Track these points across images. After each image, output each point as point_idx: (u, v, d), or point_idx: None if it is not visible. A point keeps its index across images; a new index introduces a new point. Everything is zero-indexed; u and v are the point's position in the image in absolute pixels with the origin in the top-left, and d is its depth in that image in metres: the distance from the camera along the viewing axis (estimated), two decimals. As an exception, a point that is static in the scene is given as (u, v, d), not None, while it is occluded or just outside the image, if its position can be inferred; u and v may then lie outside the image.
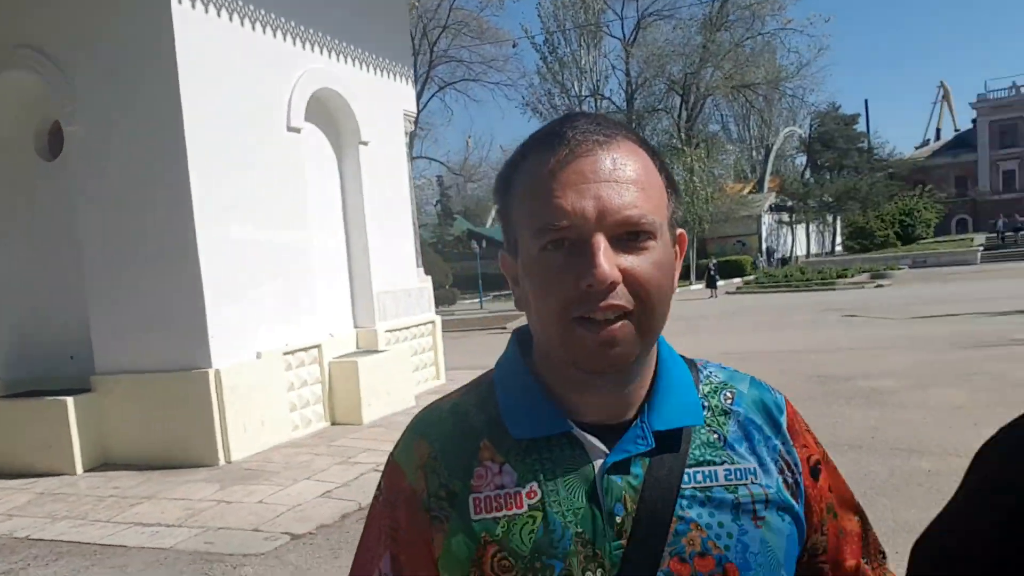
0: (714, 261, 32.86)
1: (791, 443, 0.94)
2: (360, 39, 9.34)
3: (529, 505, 0.83)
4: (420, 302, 10.80)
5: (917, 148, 72.68)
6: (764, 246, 43.10)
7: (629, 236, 0.81)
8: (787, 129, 52.09)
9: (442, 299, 25.79)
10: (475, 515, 0.84)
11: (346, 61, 9.16)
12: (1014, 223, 37.95)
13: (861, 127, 56.79)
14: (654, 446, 0.86)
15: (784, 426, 0.95)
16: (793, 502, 0.90)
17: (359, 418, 8.56)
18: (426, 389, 10.48)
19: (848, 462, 5.81)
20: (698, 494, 0.86)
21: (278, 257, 7.93)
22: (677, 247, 0.88)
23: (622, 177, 0.82)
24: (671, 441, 0.87)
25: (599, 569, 0.82)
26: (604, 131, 0.83)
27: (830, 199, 47.88)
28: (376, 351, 9.19)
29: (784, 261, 35.59)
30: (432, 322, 11.02)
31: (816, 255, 48.94)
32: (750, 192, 45.85)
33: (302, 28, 8.35)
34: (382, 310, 9.60)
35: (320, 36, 8.65)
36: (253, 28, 7.79)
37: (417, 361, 10.54)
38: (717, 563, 0.84)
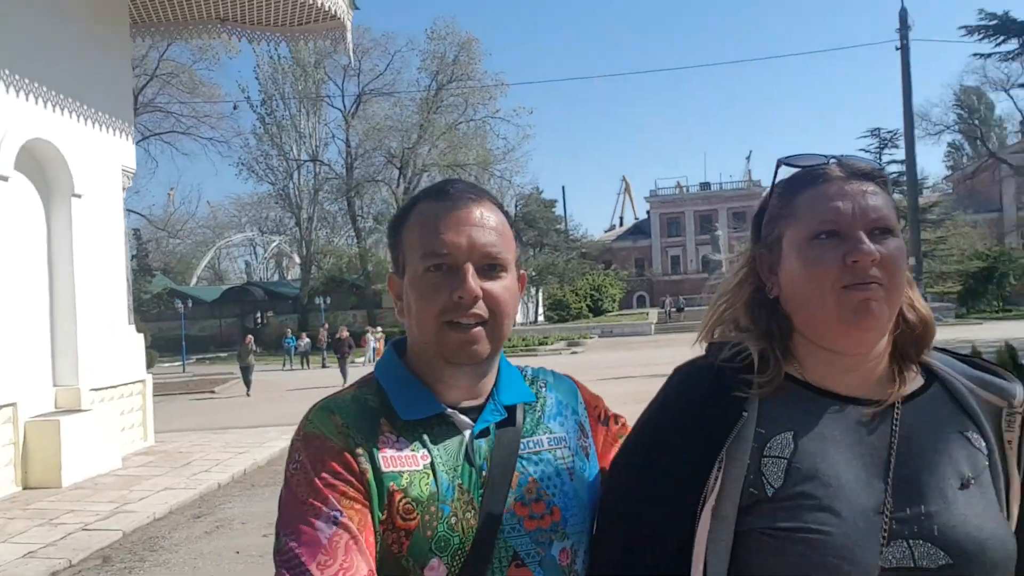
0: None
1: (586, 412, 1.28)
2: (79, 92, 9.12)
3: (423, 465, 1.07)
4: (130, 360, 10.41)
5: (605, 232, 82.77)
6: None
7: (489, 267, 1.10)
8: (495, 207, 56.52)
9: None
10: (385, 468, 1.05)
11: (63, 112, 8.88)
12: (678, 303, 44.96)
13: (559, 211, 63.75)
14: (505, 415, 1.16)
15: (579, 400, 1.29)
16: (586, 461, 1.21)
17: (58, 480, 8.06)
18: (134, 450, 10.07)
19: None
20: (532, 456, 1.15)
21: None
22: (519, 282, 1.18)
23: (487, 224, 1.12)
24: (512, 417, 1.16)
25: (472, 510, 1.07)
26: (475, 192, 1.15)
27: (533, 273, 51.86)
28: (80, 410, 8.74)
29: None
30: (142, 381, 10.63)
31: (521, 324, 52.83)
32: (463, 263, 48.42)
33: (16, 77, 8.03)
34: (88, 368, 9.15)
35: (36, 87, 8.34)
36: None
37: (125, 421, 10.09)
38: (547, 506, 1.12)
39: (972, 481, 1.03)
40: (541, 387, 1.26)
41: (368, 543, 1.00)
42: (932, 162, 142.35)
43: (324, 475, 1.01)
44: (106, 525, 6.70)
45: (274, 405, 17.07)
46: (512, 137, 51.19)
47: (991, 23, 16.78)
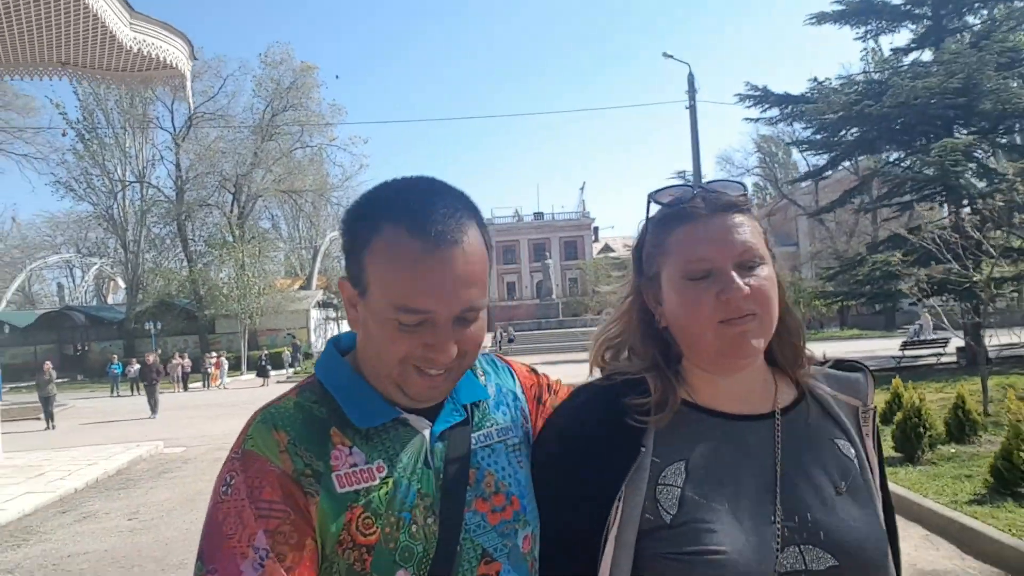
0: (266, 352, 34.56)
1: (523, 395, 1.28)
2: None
3: (380, 477, 1.03)
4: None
5: None
6: (312, 338, 46.15)
7: (465, 317, 1.02)
8: (333, 234, 56.82)
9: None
10: (339, 489, 1.00)
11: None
12: (509, 334, 47.54)
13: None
14: (465, 416, 1.14)
15: (517, 384, 1.29)
16: (529, 445, 1.22)
17: (-82, 492, 8.71)
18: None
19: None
20: (485, 450, 1.14)
21: None
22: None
23: (471, 272, 1.01)
24: (466, 416, 1.14)
25: (432, 515, 1.04)
26: (457, 224, 1.00)
27: (371, 298, 53.07)
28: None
29: (307, 356, 38.62)
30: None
31: (359, 347, 53.37)
32: (300, 288, 48.47)
33: None
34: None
35: None
36: None
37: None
38: (506, 497, 1.12)
39: (844, 488, 1.11)
40: (481, 377, 1.24)
41: None
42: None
43: (259, 504, 0.95)
44: (-21, 521, 7.66)
45: (101, 432, 17.29)
46: (349, 165, 52.05)
47: (755, 94, 20.12)
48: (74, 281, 68.58)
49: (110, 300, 62.75)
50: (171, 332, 43.29)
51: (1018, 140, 20.38)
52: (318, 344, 47.29)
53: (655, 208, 1.18)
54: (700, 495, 1.07)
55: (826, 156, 20.72)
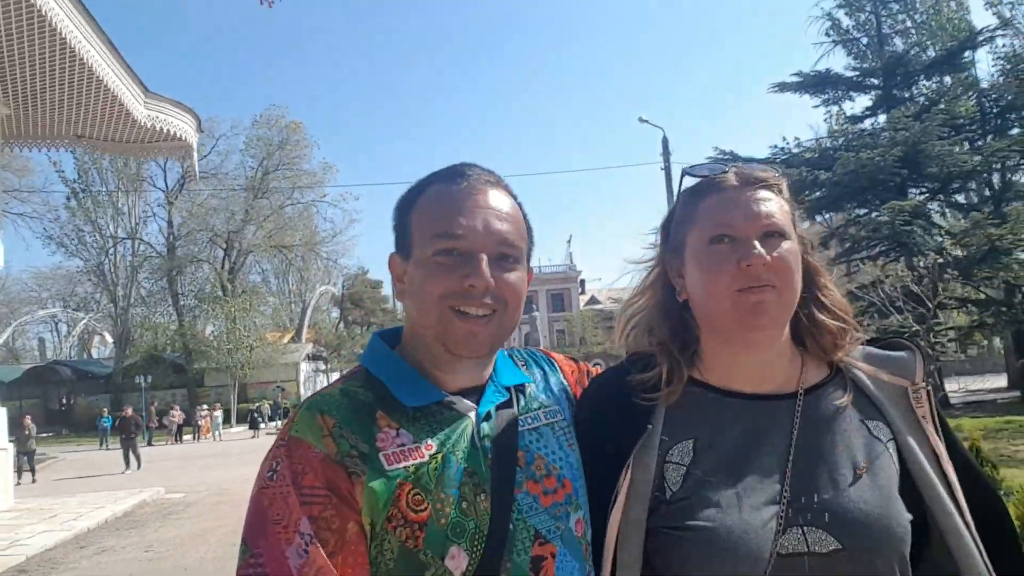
0: (256, 405, 35.04)
1: (566, 380, 1.31)
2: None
3: (429, 454, 1.05)
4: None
5: None
6: (302, 391, 46.58)
7: (502, 256, 1.09)
8: (322, 287, 57.41)
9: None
10: (388, 466, 1.02)
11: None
12: None
13: (387, 291, 65.94)
14: (508, 396, 1.17)
15: (560, 371, 1.33)
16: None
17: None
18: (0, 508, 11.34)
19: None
20: (533, 432, 1.16)
21: None
22: (527, 275, 1.16)
23: (503, 212, 1.11)
24: (509, 398, 1.17)
25: (482, 493, 1.06)
26: (493, 177, 1.14)
27: (360, 351, 53.17)
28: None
29: (286, 411, 38.99)
30: (4, 449, 11.91)
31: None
32: (289, 341, 49.02)
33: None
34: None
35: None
36: None
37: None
38: (558, 480, 1.13)
39: (865, 470, 1.09)
40: (523, 367, 1.27)
41: (348, 563, 0.97)
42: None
43: (304, 490, 0.98)
44: (7, 553, 8.40)
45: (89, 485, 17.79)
46: (339, 220, 53.10)
47: (723, 158, 21.51)
48: (58, 336, 68.70)
49: (95, 355, 62.86)
50: (160, 386, 43.62)
51: (975, 199, 21.85)
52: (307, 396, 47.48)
53: (689, 182, 1.21)
54: (704, 473, 1.09)
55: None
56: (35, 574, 7.70)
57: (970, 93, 20.35)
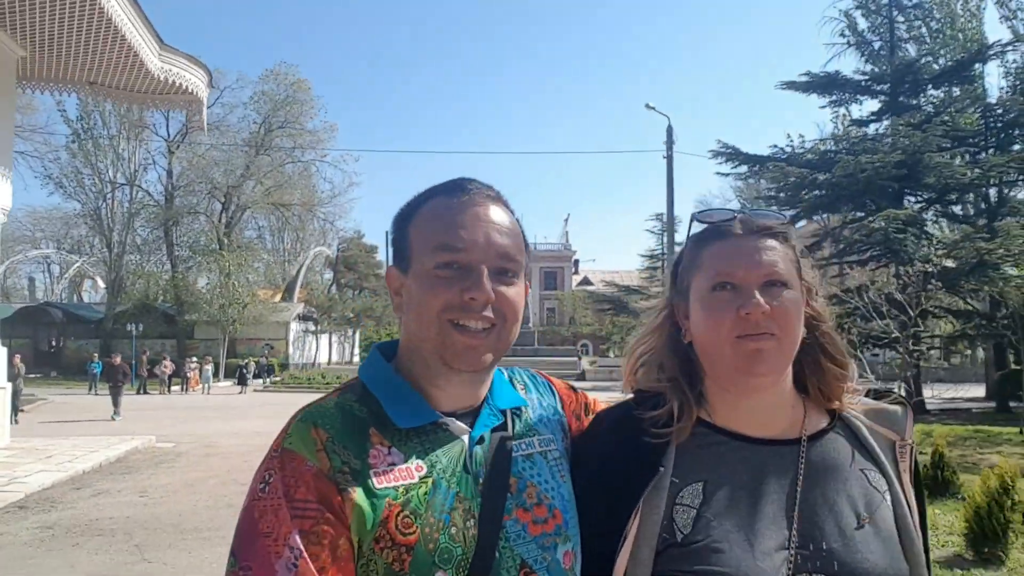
0: (245, 361, 35.30)
1: (563, 411, 1.30)
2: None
3: (419, 476, 1.04)
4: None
5: None
6: (291, 350, 46.83)
7: (502, 271, 1.09)
8: (317, 248, 57.44)
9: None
10: (377, 485, 1.01)
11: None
12: None
13: (381, 256, 66.00)
14: (503, 420, 1.15)
15: (557, 398, 1.32)
16: (568, 462, 1.23)
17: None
18: (-8, 447, 11.61)
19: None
20: (526, 460, 1.15)
21: None
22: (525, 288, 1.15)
23: (503, 226, 1.11)
24: (504, 421, 1.16)
25: (471, 519, 1.05)
26: (492, 191, 1.14)
27: (351, 315, 53.10)
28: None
29: (271, 369, 39.33)
30: (3, 388, 12.16)
31: (336, 363, 53.77)
32: (281, 299, 49.15)
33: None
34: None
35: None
36: None
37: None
38: (548, 510, 1.12)
39: (867, 520, 1.11)
40: (521, 389, 1.26)
41: None
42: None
43: (296, 504, 0.97)
44: (6, 490, 8.69)
45: (75, 430, 18.19)
46: (338, 182, 52.95)
47: (726, 151, 21.66)
48: (50, 276, 68.67)
49: (85, 299, 62.90)
50: (150, 335, 43.82)
51: (971, 211, 22.14)
52: (295, 356, 47.99)
53: (696, 228, 1.24)
54: (715, 516, 1.09)
55: (790, 212, 22.33)
56: (35, 511, 8.00)
57: (976, 106, 20.53)
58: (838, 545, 1.08)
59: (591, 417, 1.34)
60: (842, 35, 22.71)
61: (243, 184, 47.07)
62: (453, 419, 1.11)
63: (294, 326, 47.86)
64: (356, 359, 57.35)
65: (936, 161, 17.51)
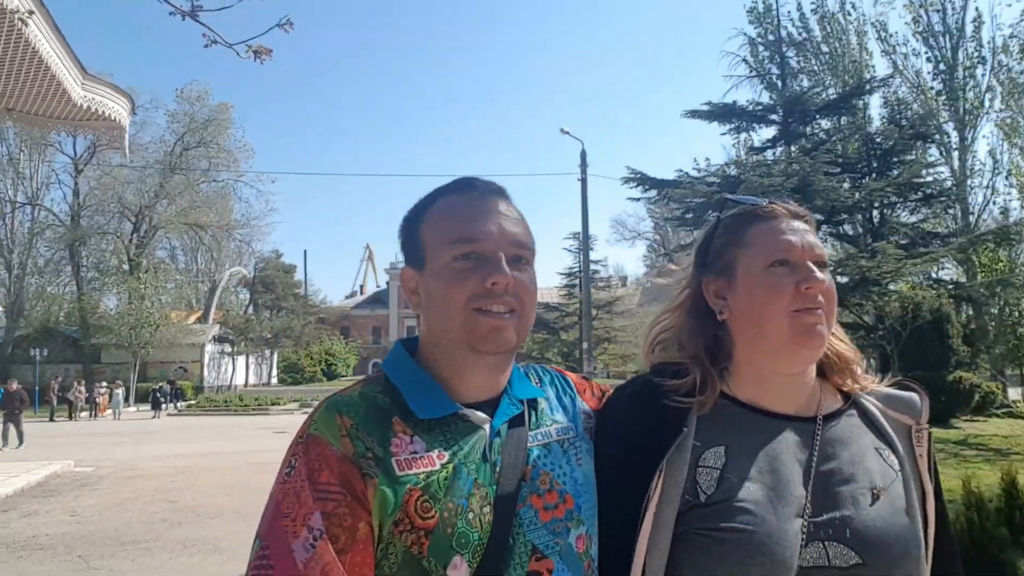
0: (159, 384, 34.39)
1: (579, 399, 1.32)
2: None
3: (441, 464, 1.07)
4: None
5: (346, 298, 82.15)
6: (206, 372, 45.67)
7: (516, 258, 1.14)
8: (233, 268, 56.18)
9: None
10: (399, 472, 1.04)
11: None
12: None
13: (300, 275, 65.03)
14: (522, 410, 1.19)
15: (573, 388, 1.34)
16: (590, 442, 1.26)
17: None
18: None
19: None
20: (542, 448, 1.18)
21: None
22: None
23: (513, 216, 1.17)
24: (522, 411, 1.19)
25: (488, 506, 1.08)
26: (498, 187, 1.21)
27: (268, 335, 52.62)
28: None
29: (181, 393, 38.17)
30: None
31: (254, 384, 52.69)
32: (196, 321, 48.04)
33: None
34: None
35: None
36: None
37: None
38: (560, 495, 1.15)
39: (882, 491, 1.15)
40: (537, 383, 1.30)
41: (356, 562, 0.99)
42: (631, 261, 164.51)
43: (317, 486, 1.00)
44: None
45: None
46: (255, 202, 52.15)
47: (635, 176, 22.85)
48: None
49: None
50: (54, 360, 42.06)
51: (860, 230, 24.02)
52: (211, 378, 46.86)
53: (728, 212, 1.28)
54: (738, 478, 1.13)
55: (695, 232, 23.71)
56: (-36, 532, 8.06)
57: (858, 135, 22.48)
58: (851, 513, 1.12)
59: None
60: (745, 61, 24.38)
61: (156, 204, 45.81)
62: (473, 410, 1.14)
63: (209, 348, 46.78)
64: (275, 380, 56.42)
65: (824, 185, 19.09)
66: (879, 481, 1.16)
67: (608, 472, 1.22)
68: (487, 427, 1.14)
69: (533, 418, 1.22)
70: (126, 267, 43.07)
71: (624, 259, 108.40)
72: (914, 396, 1.28)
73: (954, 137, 29.83)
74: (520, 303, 1.13)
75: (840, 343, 1.26)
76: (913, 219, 23.23)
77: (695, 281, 1.28)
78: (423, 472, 1.06)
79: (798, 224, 1.22)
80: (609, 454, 1.24)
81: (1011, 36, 28.33)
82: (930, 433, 1.26)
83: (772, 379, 1.21)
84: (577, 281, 42.17)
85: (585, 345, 27.74)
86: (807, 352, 1.17)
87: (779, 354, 1.18)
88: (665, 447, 1.15)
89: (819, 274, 1.15)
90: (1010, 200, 28.84)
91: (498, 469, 1.12)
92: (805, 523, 1.10)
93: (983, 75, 29.39)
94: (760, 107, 22.30)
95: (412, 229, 1.19)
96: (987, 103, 29.49)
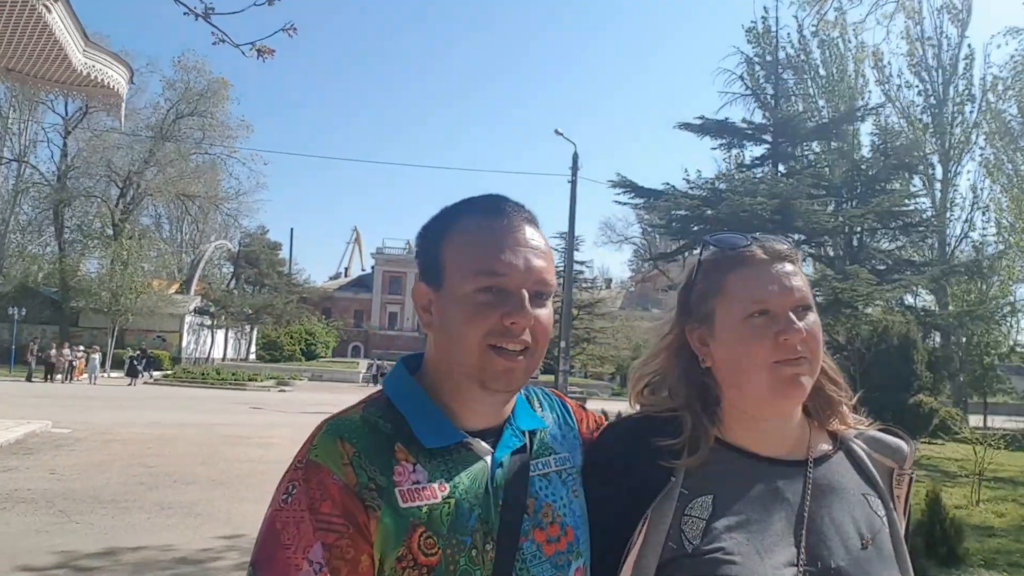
0: (136, 353, 34.42)
1: (577, 428, 1.31)
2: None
3: (443, 496, 1.05)
4: None
5: (330, 279, 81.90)
6: (184, 343, 45.58)
7: (538, 294, 1.10)
8: (218, 241, 56.15)
9: None
10: (403, 504, 1.01)
11: None
12: (382, 368, 46.41)
13: (285, 253, 64.81)
14: (524, 442, 1.17)
15: (572, 416, 1.33)
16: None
17: None
18: None
19: (252, 472, 10.51)
20: (543, 479, 1.16)
21: None
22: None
23: (540, 249, 1.11)
24: (524, 443, 1.17)
25: (490, 542, 1.06)
26: (527, 212, 1.15)
27: (249, 311, 52.37)
28: None
29: (154, 361, 38.02)
30: None
31: (231, 359, 52.64)
32: (177, 291, 47.95)
33: None
34: None
35: None
36: None
37: None
38: (561, 528, 1.14)
39: (871, 541, 1.13)
40: (538, 408, 1.28)
41: None
42: (617, 264, 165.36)
43: (319, 517, 0.98)
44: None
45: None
46: (245, 180, 52.01)
47: (623, 183, 23.30)
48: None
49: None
50: (32, 320, 41.83)
51: (840, 252, 24.60)
52: (189, 350, 46.81)
53: (707, 253, 1.24)
54: (725, 528, 1.11)
55: (680, 242, 24.18)
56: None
57: (844, 160, 23.02)
58: (845, 564, 1.11)
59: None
60: (741, 79, 24.81)
61: (145, 170, 45.58)
62: (477, 440, 1.12)
63: (189, 319, 46.73)
64: (252, 356, 56.44)
65: (805, 207, 19.58)
66: (866, 530, 1.16)
67: (593, 514, 1.21)
68: (489, 459, 1.12)
69: (535, 447, 1.20)
70: (110, 232, 42.82)
71: (610, 262, 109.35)
72: (901, 443, 1.28)
73: (938, 170, 30.57)
74: (535, 341, 1.10)
75: (829, 383, 1.25)
76: (891, 246, 23.85)
77: (679, 327, 1.26)
78: (426, 505, 1.04)
79: (779, 267, 1.18)
80: (595, 497, 1.22)
81: (998, 77, 29.02)
82: (911, 479, 1.27)
83: (759, 423, 1.20)
84: (560, 280, 42.50)
85: (563, 344, 28.12)
86: (788, 403, 1.17)
87: (760, 404, 1.18)
88: (652, 495, 1.14)
89: (798, 324, 1.13)
90: (986, 235, 29.61)
91: (500, 503, 1.10)
92: (800, 572, 1.09)
93: (971, 112, 30.11)
94: (752, 126, 22.77)
95: (431, 245, 1.14)
96: (973, 139, 30.23)
